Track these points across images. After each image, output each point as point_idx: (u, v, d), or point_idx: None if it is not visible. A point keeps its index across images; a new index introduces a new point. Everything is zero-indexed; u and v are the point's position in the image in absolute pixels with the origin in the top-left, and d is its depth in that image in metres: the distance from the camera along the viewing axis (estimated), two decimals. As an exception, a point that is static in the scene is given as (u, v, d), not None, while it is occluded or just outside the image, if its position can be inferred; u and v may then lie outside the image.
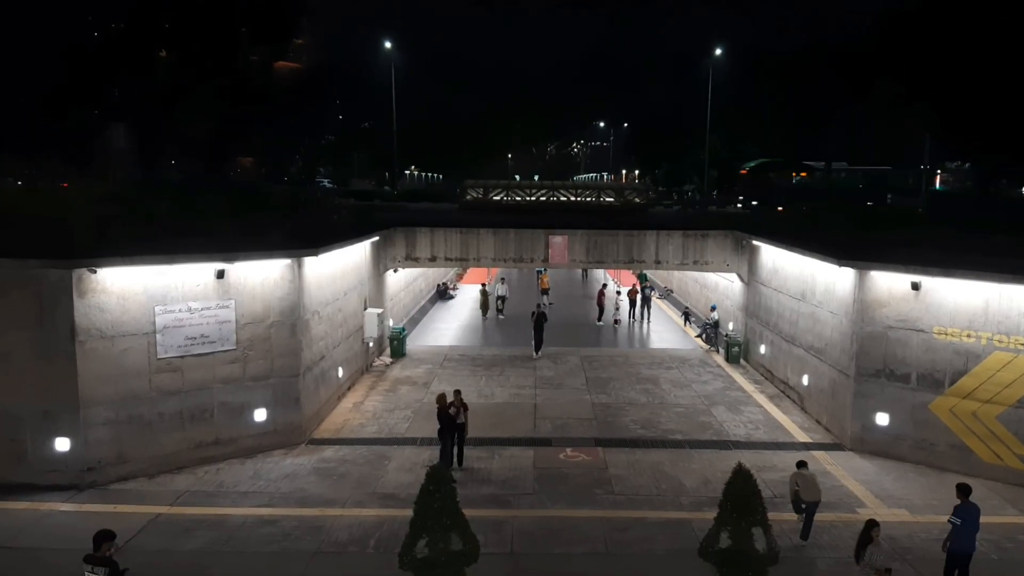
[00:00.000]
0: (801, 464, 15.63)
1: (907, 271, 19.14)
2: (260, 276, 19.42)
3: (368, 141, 73.69)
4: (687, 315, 38.69)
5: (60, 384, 16.67)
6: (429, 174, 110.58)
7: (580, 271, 55.68)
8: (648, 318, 38.93)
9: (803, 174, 68.13)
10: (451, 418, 18.57)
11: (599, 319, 38.92)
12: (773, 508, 14.61)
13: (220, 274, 18.62)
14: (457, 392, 19.36)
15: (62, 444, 16.84)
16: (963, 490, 13.21)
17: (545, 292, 45.75)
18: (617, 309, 38.92)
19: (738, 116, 61.64)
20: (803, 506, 15.13)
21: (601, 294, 39.75)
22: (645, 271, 43.60)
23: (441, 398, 18.96)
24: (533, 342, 30.88)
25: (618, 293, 40.45)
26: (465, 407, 19.07)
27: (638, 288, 39.36)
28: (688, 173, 76.44)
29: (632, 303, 39.02)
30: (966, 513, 12.97)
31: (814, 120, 60.52)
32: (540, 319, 31.17)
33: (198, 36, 39.70)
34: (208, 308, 18.57)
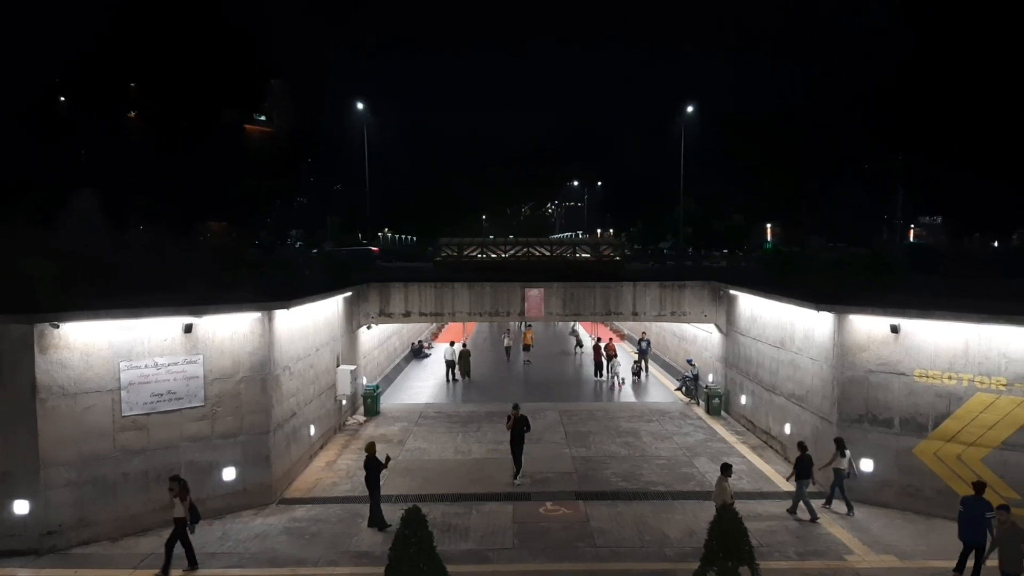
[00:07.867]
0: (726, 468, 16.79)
1: (885, 314, 19.04)
2: (229, 330, 18.96)
3: (341, 204, 73.87)
4: (640, 364, 38.60)
5: (19, 444, 16.04)
6: (403, 236, 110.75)
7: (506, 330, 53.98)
8: (646, 371, 38.60)
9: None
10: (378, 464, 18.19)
11: (597, 374, 38.23)
12: (760, 557, 14.19)
13: (188, 328, 18.16)
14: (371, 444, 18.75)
15: (21, 507, 16.14)
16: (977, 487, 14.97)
17: (527, 348, 45.16)
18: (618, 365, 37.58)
19: (712, 176, 62.52)
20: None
21: (597, 350, 38.63)
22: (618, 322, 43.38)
23: (370, 446, 18.56)
24: (512, 457, 21.82)
25: (598, 343, 39.66)
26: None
27: (614, 345, 38.75)
28: (663, 231, 77.07)
29: (610, 357, 38.13)
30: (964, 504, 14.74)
31: (785, 179, 61.52)
32: (519, 426, 21.54)
33: (168, 99, 39.87)
34: (175, 363, 18.06)
